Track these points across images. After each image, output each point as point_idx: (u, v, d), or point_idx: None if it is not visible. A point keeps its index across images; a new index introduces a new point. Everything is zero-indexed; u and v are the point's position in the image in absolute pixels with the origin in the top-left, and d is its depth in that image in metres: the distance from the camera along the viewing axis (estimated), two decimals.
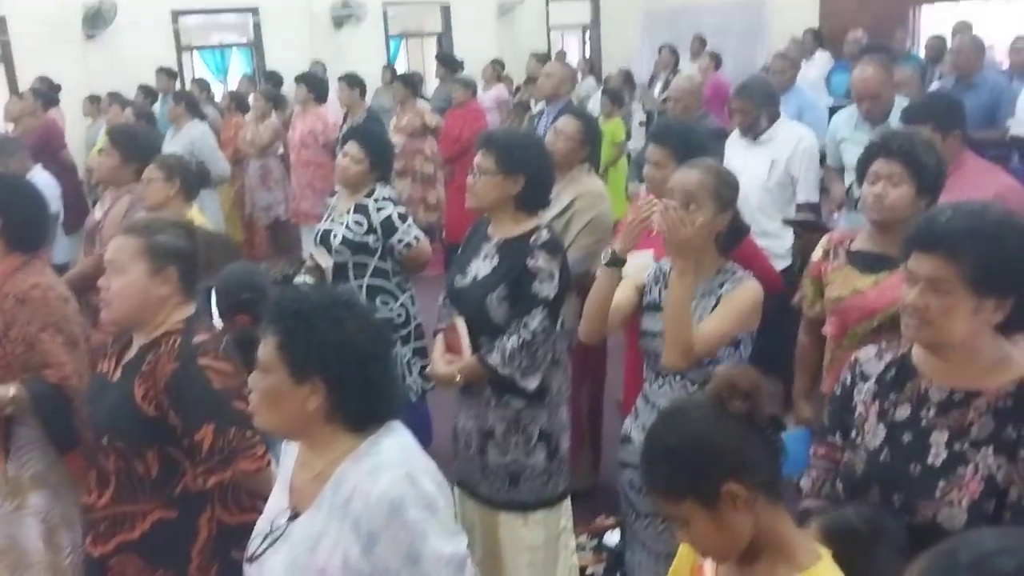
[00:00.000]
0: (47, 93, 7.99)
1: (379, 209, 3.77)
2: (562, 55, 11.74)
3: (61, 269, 4.74)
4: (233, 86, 10.47)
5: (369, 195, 3.82)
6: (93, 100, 8.88)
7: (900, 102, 4.01)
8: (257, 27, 11.26)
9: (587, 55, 14.11)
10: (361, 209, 3.79)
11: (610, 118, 7.71)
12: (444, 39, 12.87)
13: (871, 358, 1.91)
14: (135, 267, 2.22)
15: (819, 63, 9.61)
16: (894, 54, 6.78)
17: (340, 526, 1.66)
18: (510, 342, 2.81)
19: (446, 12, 12.70)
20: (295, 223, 7.54)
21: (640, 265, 2.69)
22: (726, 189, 2.48)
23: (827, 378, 2.75)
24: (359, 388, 1.69)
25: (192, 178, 3.96)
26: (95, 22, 9.81)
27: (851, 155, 4.08)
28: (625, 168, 7.71)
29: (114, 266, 2.24)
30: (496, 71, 10.54)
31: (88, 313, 3.26)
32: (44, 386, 2.70)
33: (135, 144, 4.18)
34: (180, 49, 10.86)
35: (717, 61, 9.43)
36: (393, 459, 1.68)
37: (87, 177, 7.19)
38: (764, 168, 4.24)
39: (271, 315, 1.72)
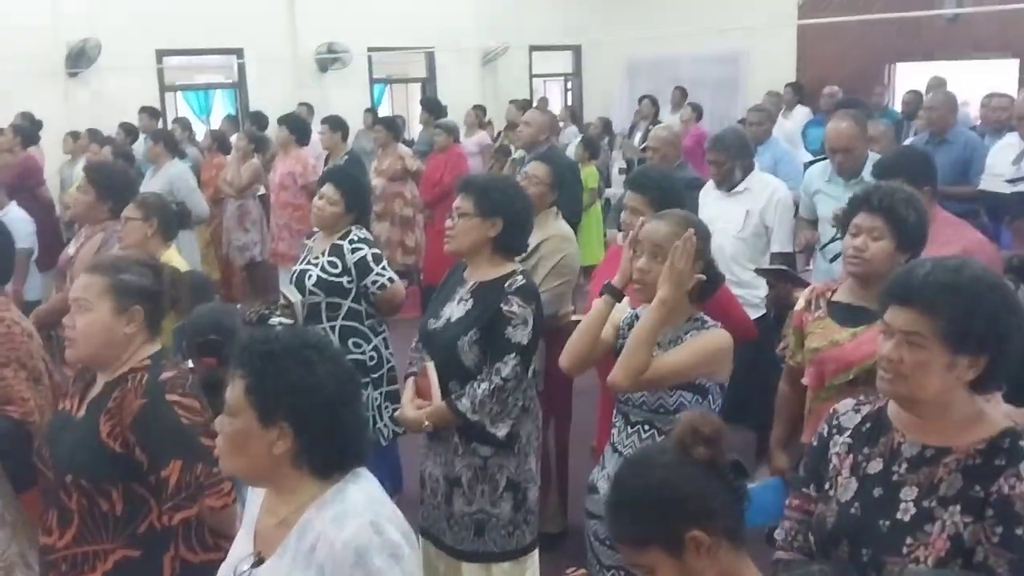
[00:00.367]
0: (28, 129, 7.97)
1: (354, 250, 3.76)
2: (544, 102, 11.85)
3: (34, 305, 4.69)
4: (216, 126, 10.50)
5: (344, 237, 3.81)
6: (74, 136, 8.86)
7: (874, 157, 4.06)
8: (241, 68, 11.31)
9: (569, 103, 14.27)
10: (336, 250, 3.78)
11: (585, 166, 7.81)
12: (428, 85, 12.99)
13: (849, 411, 1.90)
14: (100, 306, 2.21)
15: (797, 117, 9.76)
16: (869, 109, 6.88)
17: (304, 574, 1.63)
18: (481, 388, 2.79)
19: (430, 58, 12.83)
20: (273, 263, 7.52)
21: (618, 308, 2.69)
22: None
23: (807, 428, 2.74)
24: (327, 433, 1.67)
25: (171, 218, 3.93)
26: (78, 60, 9.83)
27: (824, 207, 4.13)
28: (599, 214, 7.85)
29: (79, 304, 2.23)
30: (478, 117, 10.64)
31: (57, 349, 3.22)
32: (6, 422, 2.66)
33: (111, 182, 4.18)
34: (163, 89, 10.90)
35: (699, 112, 9.57)
36: (358, 507, 1.66)
37: (62, 214, 7.16)
38: (739, 218, 4.29)
39: (240, 357, 1.70)
